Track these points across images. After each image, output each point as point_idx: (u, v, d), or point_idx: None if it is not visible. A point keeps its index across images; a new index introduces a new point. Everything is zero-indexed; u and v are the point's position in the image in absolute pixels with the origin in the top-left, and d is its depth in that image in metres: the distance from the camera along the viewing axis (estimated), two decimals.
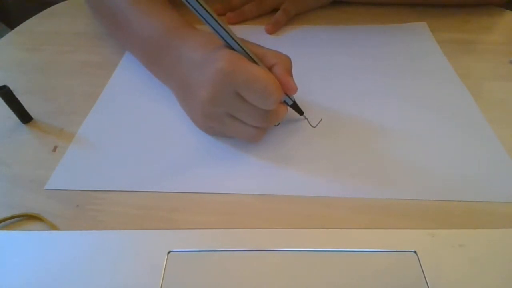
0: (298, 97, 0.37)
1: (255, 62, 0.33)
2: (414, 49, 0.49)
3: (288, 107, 0.36)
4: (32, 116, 0.40)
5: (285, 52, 0.35)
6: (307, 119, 0.39)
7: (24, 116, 0.40)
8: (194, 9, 0.29)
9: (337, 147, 0.36)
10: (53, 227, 0.30)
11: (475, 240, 0.28)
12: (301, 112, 0.38)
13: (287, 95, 0.36)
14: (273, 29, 0.53)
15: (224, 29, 0.31)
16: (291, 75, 0.35)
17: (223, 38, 0.32)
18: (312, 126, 0.38)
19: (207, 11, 0.30)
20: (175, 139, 0.37)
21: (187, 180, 0.34)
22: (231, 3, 0.57)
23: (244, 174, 0.34)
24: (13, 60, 0.50)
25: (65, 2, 0.61)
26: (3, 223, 0.31)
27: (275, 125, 0.38)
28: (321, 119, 0.39)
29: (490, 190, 0.32)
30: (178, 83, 0.38)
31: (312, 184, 0.33)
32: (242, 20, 0.56)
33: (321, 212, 0.31)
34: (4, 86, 0.37)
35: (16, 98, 0.38)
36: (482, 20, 0.54)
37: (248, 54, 0.32)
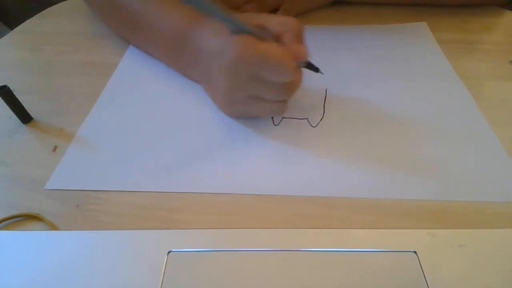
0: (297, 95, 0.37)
1: (264, 38, 0.33)
2: (414, 49, 0.49)
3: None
4: (32, 116, 0.40)
5: None
6: (307, 119, 0.39)
7: (24, 116, 0.40)
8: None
9: (336, 147, 0.36)
10: (53, 227, 0.30)
11: (475, 240, 0.28)
12: (316, 69, 0.38)
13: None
14: None
15: (223, 15, 0.32)
16: (301, 40, 0.35)
17: (228, 25, 0.33)
18: (312, 126, 0.38)
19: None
20: (175, 139, 0.37)
21: (187, 180, 0.34)
22: (232, 2, 0.57)
23: (244, 174, 0.34)
24: (13, 60, 0.50)
25: (65, 2, 0.61)
26: (3, 223, 0.31)
27: (275, 125, 0.38)
28: (321, 119, 0.39)
29: (490, 190, 0.32)
30: (202, 74, 0.40)
31: (312, 184, 0.33)
32: None
33: (321, 212, 0.31)
34: (4, 86, 0.37)
35: (16, 98, 0.38)
36: (482, 20, 0.54)
37: (255, 34, 0.33)
